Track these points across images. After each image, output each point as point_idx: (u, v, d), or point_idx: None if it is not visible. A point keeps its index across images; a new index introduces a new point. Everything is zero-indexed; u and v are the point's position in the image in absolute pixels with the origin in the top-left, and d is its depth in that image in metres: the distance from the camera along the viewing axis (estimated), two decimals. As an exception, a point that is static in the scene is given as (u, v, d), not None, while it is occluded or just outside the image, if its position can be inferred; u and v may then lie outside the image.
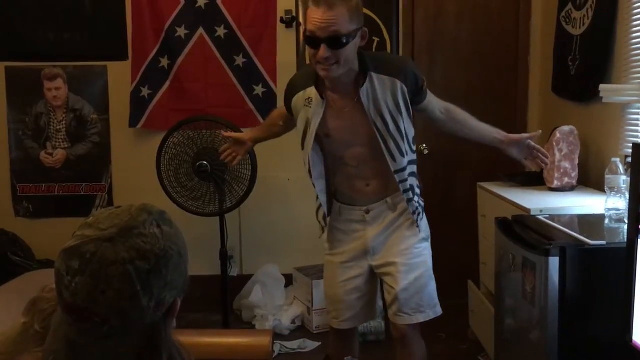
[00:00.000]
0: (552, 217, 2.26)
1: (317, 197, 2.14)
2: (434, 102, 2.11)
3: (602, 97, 2.65)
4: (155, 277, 0.87)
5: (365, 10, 3.51)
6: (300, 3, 3.67)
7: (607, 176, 2.23)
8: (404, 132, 2.00)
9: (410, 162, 2.06)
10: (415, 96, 2.03)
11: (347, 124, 2.01)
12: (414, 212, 2.09)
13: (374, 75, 1.96)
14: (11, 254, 3.62)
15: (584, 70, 3.04)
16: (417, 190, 2.11)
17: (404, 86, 1.96)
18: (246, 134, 2.44)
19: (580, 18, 3.07)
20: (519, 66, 3.72)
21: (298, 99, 2.06)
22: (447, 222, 3.55)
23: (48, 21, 3.73)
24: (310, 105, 2.02)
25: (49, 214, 3.85)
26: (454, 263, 3.51)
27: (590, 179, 2.91)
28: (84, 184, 3.86)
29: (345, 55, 1.87)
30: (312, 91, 2.01)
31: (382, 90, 1.96)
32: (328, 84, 1.99)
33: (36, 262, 3.65)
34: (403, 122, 2.00)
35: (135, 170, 3.79)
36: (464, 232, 3.45)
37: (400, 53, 3.76)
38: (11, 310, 1.13)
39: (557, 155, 2.81)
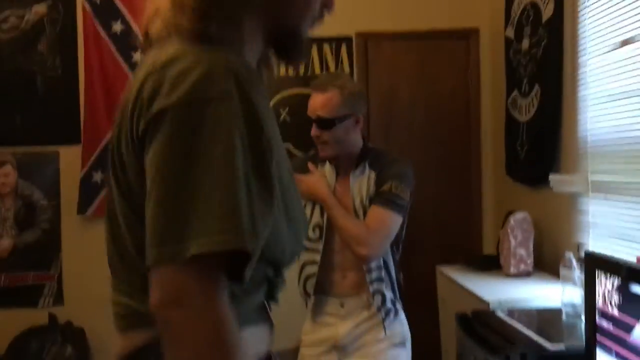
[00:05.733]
0: (511, 313, 2.27)
1: (302, 269, 2.11)
2: (370, 218, 2.00)
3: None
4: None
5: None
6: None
7: (561, 270, 2.26)
8: None
9: (383, 261, 2.04)
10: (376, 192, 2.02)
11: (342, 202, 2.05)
12: (385, 313, 2.06)
13: (367, 168, 2.06)
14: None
15: (532, 156, 3.13)
16: (389, 290, 2.07)
17: (372, 176, 2.03)
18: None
19: (526, 105, 3.19)
20: (471, 148, 3.82)
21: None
22: (406, 302, 3.51)
23: (-2, 105, 3.66)
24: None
25: (-7, 306, 3.65)
26: (414, 346, 3.45)
27: (546, 264, 2.95)
28: (31, 273, 3.69)
29: (335, 136, 2.02)
30: (327, 168, 2.12)
31: (369, 184, 2.04)
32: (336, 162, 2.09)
33: (-23, 360, 3.43)
34: None
35: (87, 257, 3.65)
36: (423, 312, 3.41)
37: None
38: None
39: (513, 242, 2.85)
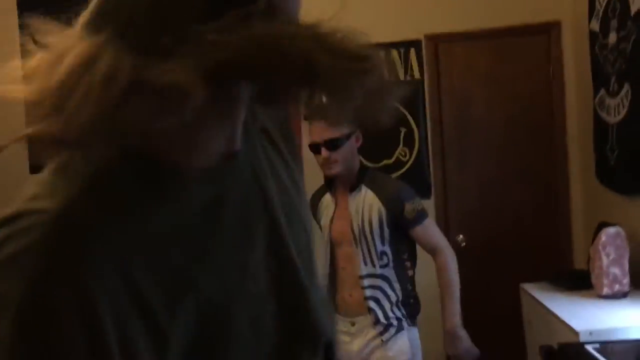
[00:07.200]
0: (603, 348, 2.04)
1: None
2: (426, 237, 2.25)
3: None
4: None
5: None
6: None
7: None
8: (377, 245, 2.20)
9: (383, 276, 2.19)
10: (399, 221, 2.21)
11: (341, 222, 2.27)
12: (384, 329, 2.16)
13: (364, 187, 2.25)
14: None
15: (624, 163, 2.84)
16: (393, 306, 2.18)
17: (382, 209, 2.20)
18: None
19: (615, 106, 2.90)
20: (557, 152, 3.53)
21: (320, 206, 2.36)
22: (487, 324, 3.31)
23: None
24: (327, 207, 2.35)
25: None
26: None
27: (644, 282, 2.67)
28: None
29: (344, 154, 2.21)
30: (327, 197, 2.37)
31: (367, 202, 2.23)
32: (336, 183, 2.30)
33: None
34: (376, 238, 2.20)
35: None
36: (507, 337, 3.20)
37: (429, 142, 3.64)
38: None
39: (605, 261, 2.59)
